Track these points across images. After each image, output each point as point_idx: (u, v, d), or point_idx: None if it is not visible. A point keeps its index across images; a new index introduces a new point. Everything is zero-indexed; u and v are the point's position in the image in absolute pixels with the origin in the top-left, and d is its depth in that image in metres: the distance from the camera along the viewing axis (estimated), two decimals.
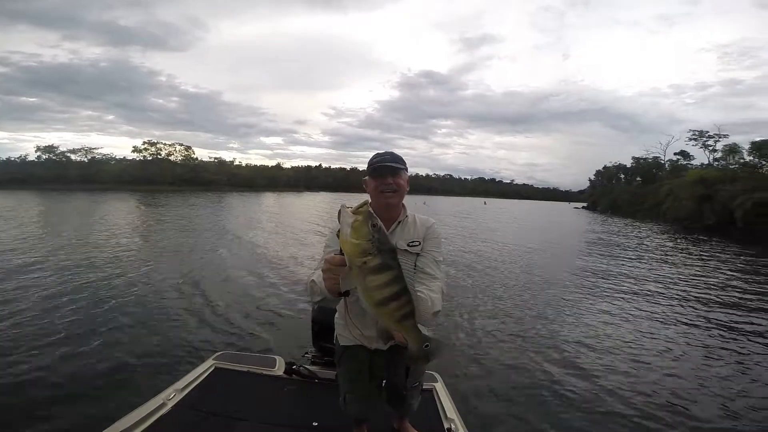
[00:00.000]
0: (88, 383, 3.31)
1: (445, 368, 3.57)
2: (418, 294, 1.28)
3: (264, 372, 2.43)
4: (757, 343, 5.20)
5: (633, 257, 12.97)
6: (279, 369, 2.46)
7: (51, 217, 17.20)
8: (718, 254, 14.51)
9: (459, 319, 5.58)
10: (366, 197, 1.45)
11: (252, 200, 38.97)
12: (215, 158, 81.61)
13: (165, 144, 68.12)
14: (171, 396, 2.02)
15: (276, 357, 2.59)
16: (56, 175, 49.53)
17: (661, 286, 8.54)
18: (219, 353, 2.61)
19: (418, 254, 1.56)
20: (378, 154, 1.60)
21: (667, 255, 13.98)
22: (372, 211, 1.12)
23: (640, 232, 24.02)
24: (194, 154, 71.89)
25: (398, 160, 1.57)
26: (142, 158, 64.42)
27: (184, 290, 6.36)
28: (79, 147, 59.44)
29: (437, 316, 1.47)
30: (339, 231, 1.16)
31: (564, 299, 7.09)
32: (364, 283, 1.11)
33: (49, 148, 56.39)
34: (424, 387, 1.99)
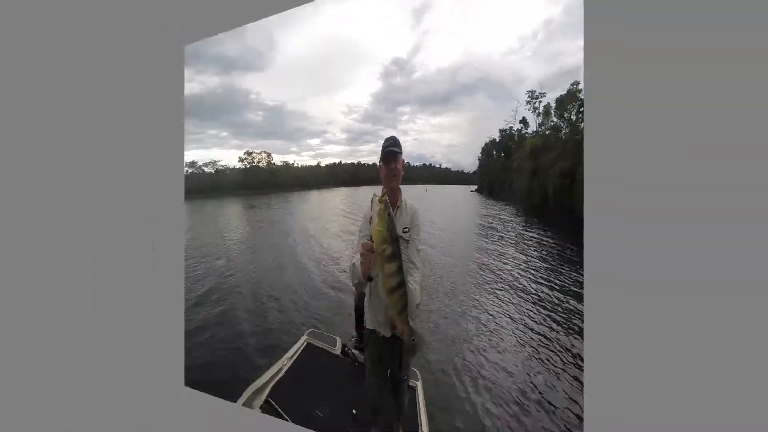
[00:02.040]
0: (227, 358, 4.29)
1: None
2: (409, 287, 1.32)
3: (330, 350, 2.87)
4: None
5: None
6: (338, 349, 2.88)
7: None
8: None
9: None
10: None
11: (311, 198, 41.89)
12: (284, 162, 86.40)
13: (257, 153, 73.30)
14: (285, 363, 2.56)
15: (337, 337, 3.01)
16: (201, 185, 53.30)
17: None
18: (309, 330, 3.11)
19: (408, 241, 1.54)
20: (387, 138, 1.62)
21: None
22: (388, 200, 1.19)
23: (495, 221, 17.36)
24: (273, 160, 77.93)
25: (397, 144, 1.60)
26: (244, 167, 69.70)
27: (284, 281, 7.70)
28: (208, 161, 68.14)
29: (419, 308, 1.49)
30: (371, 218, 1.23)
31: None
32: (383, 269, 1.17)
33: (191, 164, 60.65)
34: (410, 384, 2.13)
